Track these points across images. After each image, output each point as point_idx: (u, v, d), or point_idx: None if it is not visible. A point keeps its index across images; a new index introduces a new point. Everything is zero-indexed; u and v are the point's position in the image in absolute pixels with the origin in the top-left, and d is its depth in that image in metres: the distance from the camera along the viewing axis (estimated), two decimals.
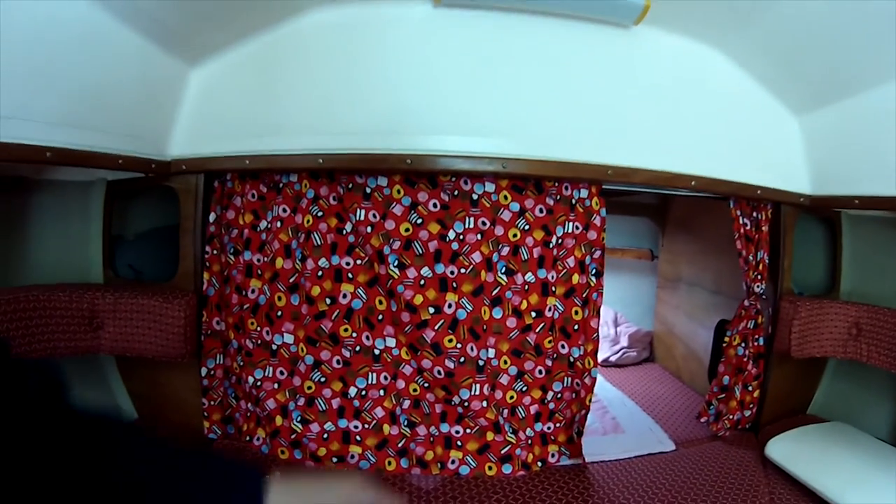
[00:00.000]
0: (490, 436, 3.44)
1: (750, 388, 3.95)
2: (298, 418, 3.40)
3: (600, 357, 5.84)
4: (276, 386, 3.44)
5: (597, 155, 3.28)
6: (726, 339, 4.08)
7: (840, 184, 3.63)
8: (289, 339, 3.38)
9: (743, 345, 3.99)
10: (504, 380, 3.45)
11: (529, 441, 3.52)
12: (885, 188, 3.29)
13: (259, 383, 3.44)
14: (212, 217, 3.40)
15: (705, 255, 5.24)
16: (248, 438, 3.51)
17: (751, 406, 3.98)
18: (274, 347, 3.41)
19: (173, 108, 3.19)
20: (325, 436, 3.41)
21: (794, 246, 4.01)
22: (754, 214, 3.85)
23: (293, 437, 3.40)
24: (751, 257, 3.87)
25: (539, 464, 3.51)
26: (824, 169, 3.72)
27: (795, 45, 3.23)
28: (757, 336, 3.96)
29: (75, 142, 2.66)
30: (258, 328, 3.41)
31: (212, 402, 3.56)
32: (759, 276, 3.88)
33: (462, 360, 3.34)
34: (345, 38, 3.20)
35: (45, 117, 2.50)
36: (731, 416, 3.95)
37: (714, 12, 3.19)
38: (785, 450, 3.51)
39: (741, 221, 3.85)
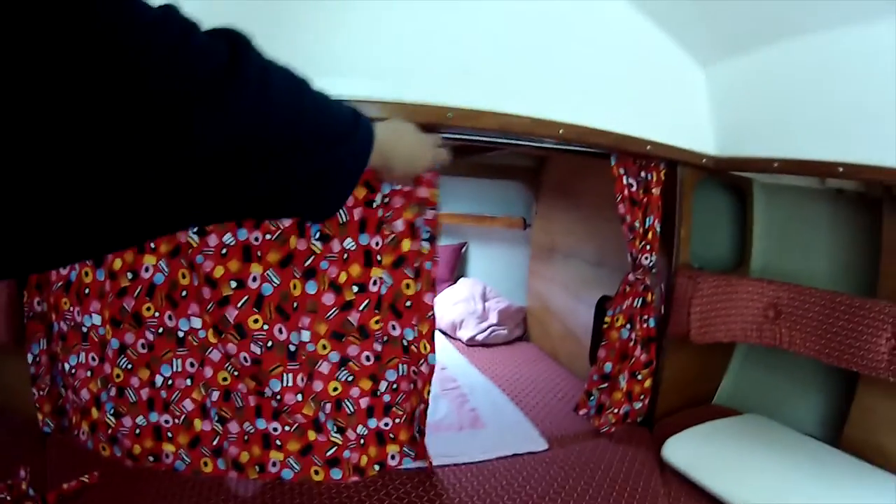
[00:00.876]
0: (312, 435, 2.95)
1: (639, 377, 3.54)
2: (112, 411, 2.89)
3: (466, 335, 5.55)
4: (88, 374, 2.92)
5: (433, 94, 2.77)
6: (607, 318, 3.63)
7: (753, 145, 3.28)
8: (97, 319, 2.84)
9: (628, 326, 3.54)
10: (324, 368, 2.91)
11: (362, 441, 3.01)
12: (809, 151, 2.99)
13: (73, 370, 2.95)
14: None
15: (585, 223, 4.86)
16: (76, 433, 3.06)
17: (641, 397, 3.56)
18: (84, 330, 2.88)
19: None
20: (138, 431, 2.91)
21: (701, 218, 3.70)
22: (642, 174, 3.43)
23: (109, 431, 2.91)
24: (637, 224, 3.43)
25: (376, 467, 3.03)
26: (734, 127, 3.38)
27: None
28: (646, 317, 3.54)
29: None
30: (70, 308, 2.89)
31: (41, 392, 3.09)
32: (648, 247, 3.46)
33: (270, 344, 2.83)
34: None
35: None
36: (615, 410, 3.51)
37: None
38: (687, 450, 3.11)
39: (625, 182, 3.41)
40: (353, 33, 2.74)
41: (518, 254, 6.27)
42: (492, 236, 6.72)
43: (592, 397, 3.65)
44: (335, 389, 2.94)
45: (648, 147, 3.21)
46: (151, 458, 2.94)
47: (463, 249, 6.98)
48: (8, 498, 2.51)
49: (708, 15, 3.03)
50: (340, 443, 2.95)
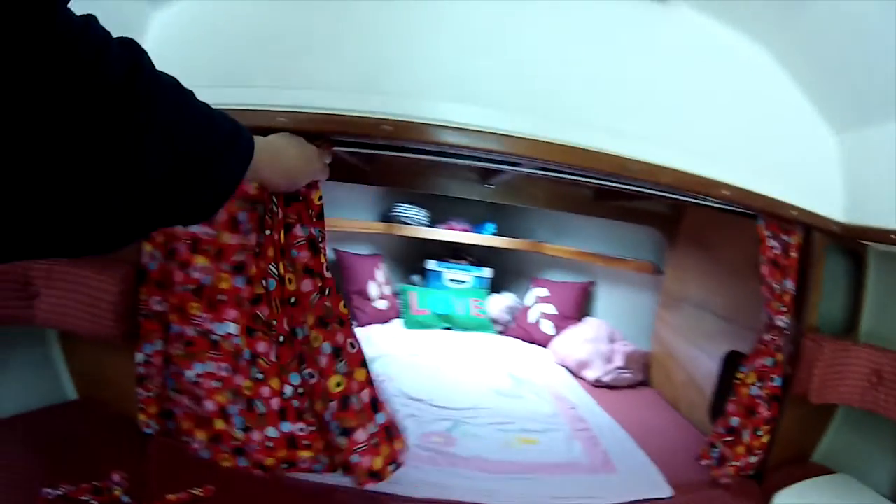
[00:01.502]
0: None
1: (759, 433, 3.61)
2: (241, 425, 2.94)
3: (592, 375, 5.63)
4: (217, 384, 2.94)
5: (618, 144, 2.83)
6: (739, 375, 3.71)
7: (876, 215, 3.34)
8: (233, 328, 2.85)
9: (758, 384, 3.63)
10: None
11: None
12: None
13: (199, 379, 2.95)
14: None
15: (719, 277, 4.92)
16: (186, 440, 3.07)
17: (757, 451, 3.63)
18: (214, 339, 2.89)
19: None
20: (270, 444, 2.94)
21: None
22: (784, 237, 3.51)
23: (234, 443, 2.97)
24: (776, 286, 3.51)
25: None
26: (860, 196, 3.44)
27: (845, 51, 2.97)
28: (774, 376, 3.61)
29: None
30: (201, 313, 2.90)
31: (148, 393, 3.10)
32: (784, 309, 3.53)
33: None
34: None
35: None
36: (736, 463, 3.60)
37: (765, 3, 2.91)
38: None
39: (769, 243, 3.50)
40: (541, 79, 2.83)
41: (646, 298, 6.26)
42: (620, 278, 6.74)
43: (715, 449, 3.74)
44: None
45: (793, 212, 3.31)
46: (285, 466, 2.97)
47: (590, 288, 7.05)
48: (93, 502, 2.53)
49: (848, 84, 3.14)
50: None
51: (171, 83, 1.17)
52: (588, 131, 2.81)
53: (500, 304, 7.63)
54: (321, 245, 2.74)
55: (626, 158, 2.82)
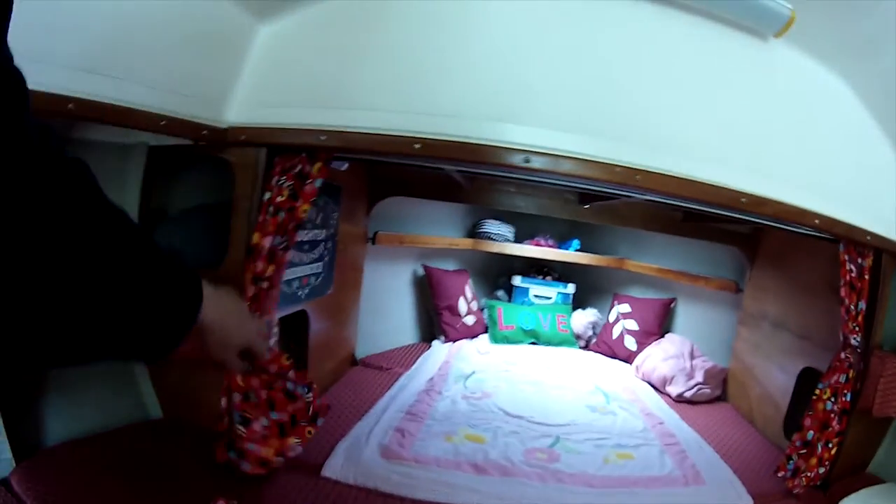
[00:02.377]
0: None
1: (830, 446, 3.81)
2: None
3: (675, 391, 5.80)
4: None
5: (727, 176, 3.11)
6: (816, 391, 3.92)
7: None
8: None
9: (832, 399, 3.83)
10: None
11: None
12: None
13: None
14: (266, 197, 3.12)
15: (795, 296, 5.07)
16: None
17: (826, 463, 3.83)
18: None
19: (235, 67, 3.01)
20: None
21: None
22: (860, 261, 3.73)
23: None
24: (853, 307, 3.74)
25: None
26: None
27: None
28: (846, 392, 3.81)
29: (105, 93, 2.41)
30: None
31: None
32: (858, 328, 3.75)
33: None
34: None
35: (68, 61, 2.26)
36: (808, 474, 3.79)
37: (849, 36, 3.10)
38: None
39: (848, 267, 3.74)
40: (655, 113, 3.10)
41: (725, 315, 6.37)
42: (700, 296, 6.87)
43: (791, 461, 3.91)
44: None
45: (868, 237, 3.54)
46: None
47: (672, 304, 7.18)
48: None
49: None
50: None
51: (116, 219, 1.13)
52: (700, 164, 3.08)
53: (583, 319, 7.75)
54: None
55: (735, 191, 3.10)
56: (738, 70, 3.24)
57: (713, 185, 3.08)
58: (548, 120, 2.95)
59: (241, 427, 3.05)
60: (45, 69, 2.15)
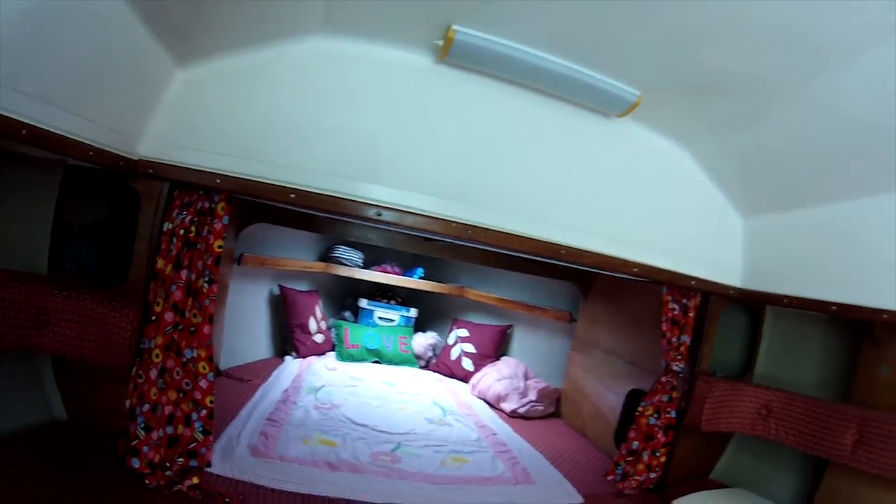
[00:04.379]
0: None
1: (658, 454, 4.27)
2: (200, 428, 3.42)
3: (508, 407, 6.16)
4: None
5: (554, 234, 3.57)
6: (640, 408, 4.37)
7: (771, 282, 4.02)
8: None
9: (655, 415, 4.29)
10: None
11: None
12: (813, 292, 3.71)
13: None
14: (166, 227, 3.29)
15: (626, 328, 5.52)
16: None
17: (657, 469, 4.28)
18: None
19: (152, 105, 3.12)
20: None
21: (721, 330, 4.36)
22: (684, 301, 4.22)
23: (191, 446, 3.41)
24: (674, 339, 4.23)
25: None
26: (758, 267, 4.12)
27: (759, 159, 3.65)
28: (669, 409, 4.28)
29: (54, 124, 2.51)
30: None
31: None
32: (680, 357, 4.22)
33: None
34: (341, 73, 3.33)
35: (30, 89, 2.33)
36: (637, 478, 4.24)
37: (693, 118, 3.54)
38: None
39: (670, 306, 4.22)
40: (505, 179, 3.54)
41: (559, 342, 6.82)
42: (537, 324, 7.26)
43: (619, 467, 4.34)
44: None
45: (693, 282, 4.03)
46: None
47: (508, 331, 7.55)
48: None
49: (756, 180, 3.85)
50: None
51: None
52: (526, 222, 3.53)
53: (423, 341, 8.07)
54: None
55: (555, 244, 3.56)
56: (577, 143, 3.69)
57: (534, 239, 3.53)
58: (398, 181, 3.34)
59: (142, 431, 3.23)
60: (9, 94, 2.24)
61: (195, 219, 3.29)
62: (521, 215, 3.54)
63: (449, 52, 3.12)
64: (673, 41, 2.79)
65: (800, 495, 4.12)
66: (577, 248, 3.63)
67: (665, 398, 4.29)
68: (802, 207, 3.80)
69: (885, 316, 3.41)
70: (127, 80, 2.84)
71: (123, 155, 3.03)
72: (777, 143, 3.47)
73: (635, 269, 3.85)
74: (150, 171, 3.15)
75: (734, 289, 4.22)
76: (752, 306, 4.55)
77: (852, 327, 4.01)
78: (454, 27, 2.95)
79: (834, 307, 3.64)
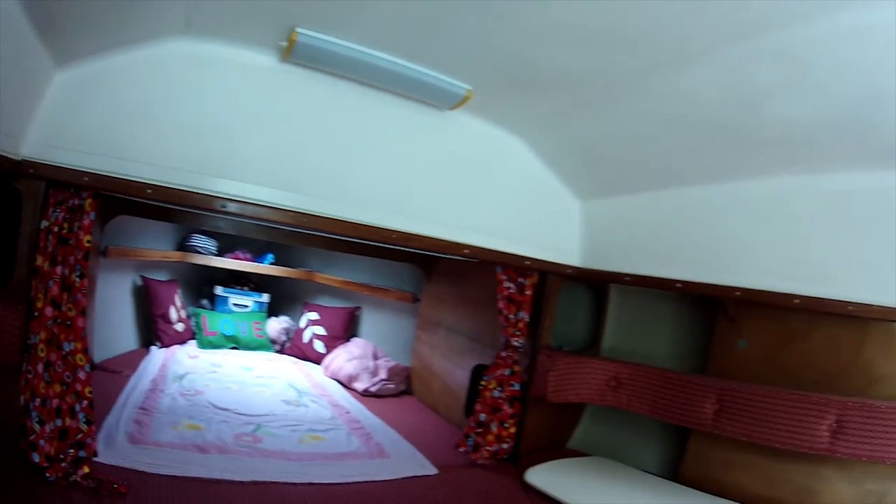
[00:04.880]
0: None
1: (506, 425, 4.40)
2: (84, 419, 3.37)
3: (360, 386, 6.27)
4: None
5: (384, 220, 3.67)
6: (483, 382, 4.51)
7: (611, 261, 4.23)
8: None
9: (499, 389, 4.43)
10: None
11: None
12: (656, 270, 3.96)
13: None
14: (43, 225, 3.25)
15: (467, 306, 5.68)
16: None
17: (508, 440, 4.41)
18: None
19: (35, 107, 3.08)
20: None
21: (567, 307, 4.58)
22: (520, 280, 4.35)
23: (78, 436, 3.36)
24: (511, 316, 4.37)
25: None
26: (598, 247, 4.32)
27: (596, 147, 3.82)
28: (513, 382, 4.43)
29: None
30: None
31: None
32: (518, 333, 4.37)
33: None
34: (196, 74, 3.34)
35: None
36: (489, 448, 4.36)
37: (526, 110, 3.67)
38: (544, 477, 3.92)
39: (506, 285, 4.36)
40: (342, 169, 3.62)
41: (406, 322, 6.94)
42: (384, 305, 7.39)
43: (470, 438, 4.47)
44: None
45: (527, 262, 4.16)
46: None
47: (356, 312, 7.70)
48: None
49: (593, 166, 4.03)
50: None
51: None
52: (359, 209, 3.61)
53: (277, 326, 8.13)
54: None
55: (386, 229, 3.66)
56: (410, 135, 3.80)
57: (366, 225, 3.62)
58: (242, 175, 3.39)
59: (37, 425, 3.19)
60: None
61: (67, 216, 3.26)
62: (355, 203, 3.62)
63: (292, 53, 3.17)
64: (505, 41, 2.86)
65: (665, 462, 4.32)
66: (407, 232, 3.72)
67: (507, 372, 4.43)
68: (644, 191, 4.02)
69: (737, 293, 3.64)
70: (11, 80, 2.78)
71: (7, 156, 2.98)
72: (615, 133, 3.62)
73: (466, 251, 3.94)
74: (31, 171, 3.09)
75: (572, 268, 4.38)
76: (592, 284, 4.73)
77: (705, 304, 4.21)
78: (297, 30, 3.00)
79: (679, 284, 3.87)
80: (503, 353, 4.46)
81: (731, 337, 4.05)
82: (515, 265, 4.25)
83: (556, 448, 4.66)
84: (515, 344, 4.42)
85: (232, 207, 3.39)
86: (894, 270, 3.28)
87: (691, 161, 3.66)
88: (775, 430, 3.56)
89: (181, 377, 5.69)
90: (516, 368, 4.45)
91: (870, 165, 3.19)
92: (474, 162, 4.00)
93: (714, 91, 2.96)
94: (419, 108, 3.66)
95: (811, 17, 2.36)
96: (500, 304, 4.41)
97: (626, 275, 4.16)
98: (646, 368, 4.22)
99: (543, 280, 4.47)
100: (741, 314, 3.96)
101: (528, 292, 4.40)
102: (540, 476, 3.96)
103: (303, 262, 8.44)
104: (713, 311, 4.13)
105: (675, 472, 4.18)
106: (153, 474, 3.38)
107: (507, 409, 4.43)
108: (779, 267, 3.59)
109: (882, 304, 3.30)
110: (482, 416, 4.48)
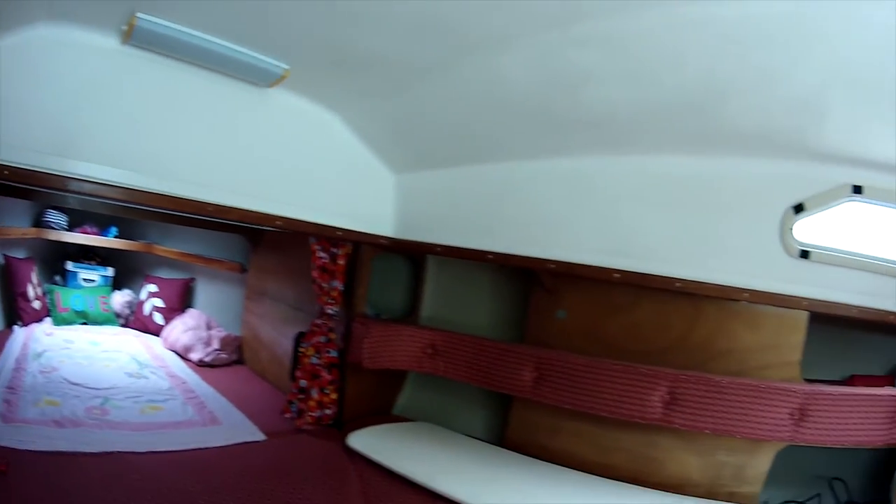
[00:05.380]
0: None
1: (327, 392, 4.51)
2: None
3: (195, 357, 6.39)
4: None
5: (201, 193, 3.69)
6: (301, 349, 4.63)
7: (424, 232, 4.33)
8: None
9: (317, 355, 4.54)
10: None
11: None
12: (467, 242, 4.07)
13: None
14: None
15: (289, 276, 5.76)
16: None
17: (330, 406, 4.53)
18: None
19: None
20: None
21: (387, 277, 4.72)
22: (333, 250, 4.45)
23: None
24: (325, 285, 4.48)
25: None
26: (411, 219, 4.41)
27: (410, 124, 3.94)
28: (329, 349, 4.53)
29: None
30: None
31: None
32: (332, 301, 4.49)
33: None
34: (52, 57, 3.29)
35: None
36: (312, 414, 4.47)
37: (343, 87, 3.74)
38: (366, 441, 4.01)
39: (319, 255, 4.46)
40: (161, 145, 3.59)
41: (236, 292, 7.01)
42: (216, 276, 7.46)
43: (293, 404, 4.57)
44: None
45: (339, 232, 4.21)
46: None
47: (191, 283, 7.79)
48: None
49: (407, 141, 4.14)
50: None
51: None
52: (179, 184, 3.62)
53: (121, 299, 8.08)
54: None
55: (203, 202, 3.66)
56: (230, 112, 3.81)
57: (185, 199, 3.62)
58: (84, 154, 3.36)
59: None
60: None
61: None
62: (179, 179, 3.63)
63: (132, 36, 3.17)
64: (321, 23, 2.91)
65: (491, 428, 4.46)
66: (222, 205, 3.74)
67: (323, 339, 4.54)
68: (459, 166, 4.15)
69: (552, 266, 3.76)
70: None
71: None
72: (429, 111, 3.72)
73: (279, 223, 3.96)
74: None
75: (386, 238, 4.45)
76: (410, 255, 4.83)
77: (524, 276, 4.30)
78: (136, 14, 3.01)
79: (490, 256, 3.98)
80: (318, 321, 4.57)
81: (548, 308, 4.19)
82: (328, 236, 4.32)
83: (381, 414, 4.76)
84: (330, 312, 4.54)
85: (73, 186, 3.37)
86: (725, 250, 3.51)
87: (505, 139, 3.79)
88: (600, 400, 3.68)
89: (39, 355, 5.68)
90: (332, 336, 4.57)
91: (700, 151, 3.42)
92: (291, 137, 4.05)
93: (528, 74, 3.09)
94: (240, 86, 3.69)
95: (644, 9, 2.51)
96: (314, 274, 4.51)
97: (439, 245, 4.28)
98: (461, 336, 4.32)
99: (358, 251, 4.57)
100: (560, 286, 4.10)
101: (342, 262, 4.51)
102: (362, 440, 4.05)
103: (143, 234, 8.36)
104: (531, 282, 4.25)
105: (502, 437, 4.30)
106: (26, 451, 3.43)
107: (325, 375, 4.54)
108: (598, 242, 3.76)
109: (713, 282, 3.48)
110: (303, 383, 4.59)
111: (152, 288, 7.86)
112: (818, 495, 3.88)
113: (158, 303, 7.68)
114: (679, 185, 3.57)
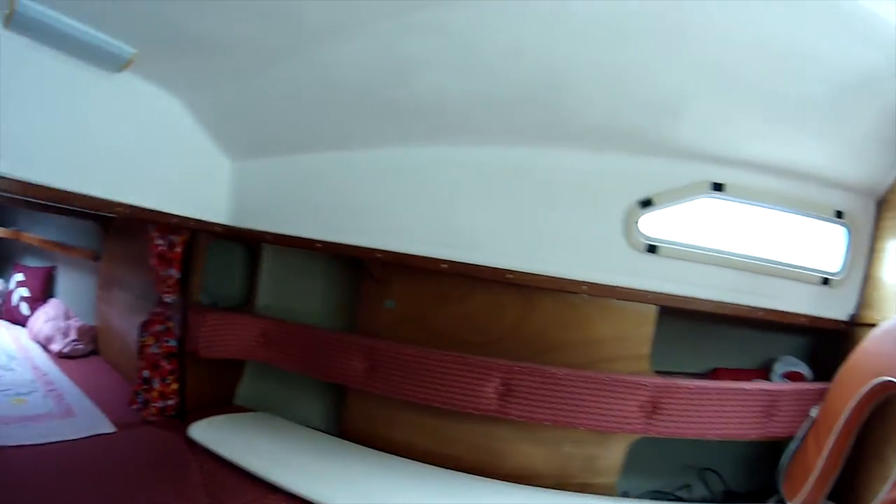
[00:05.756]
0: None
1: (167, 381, 4.46)
2: None
3: (56, 348, 6.21)
4: None
5: (43, 178, 3.50)
6: (142, 339, 4.53)
7: (257, 220, 4.28)
8: None
9: (156, 345, 4.46)
10: None
11: None
12: (296, 230, 4.07)
13: None
14: None
15: (134, 263, 5.62)
16: None
17: (172, 396, 4.47)
18: None
19: None
20: None
21: (224, 265, 4.67)
22: (171, 237, 4.34)
23: None
24: (162, 273, 4.37)
25: None
26: (245, 206, 4.35)
27: (248, 110, 3.89)
28: (168, 338, 4.46)
29: None
30: None
31: None
32: (169, 289, 4.40)
33: None
34: None
35: None
36: (156, 405, 4.41)
37: (185, 71, 3.65)
38: (207, 432, 3.97)
39: (157, 242, 4.34)
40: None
41: (90, 280, 6.82)
42: (75, 264, 7.23)
43: (139, 395, 4.50)
44: None
45: (174, 219, 4.10)
46: None
47: (53, 272, 7.56)
48: None
49: (242, 128, 4.05)
50: None
51: None
52: (29, 168, 3.41)
53: None
54: None
55: (50, 188, 3.48)
56: (78, 96, 3.62)
57: (34, 185, 3.43)
58: None
59: None
60: None
61: None
62: (27, 162, 3.41)
63: (12, 21, 3.01)
64: (165, 7, 2.86)
65: (329, 418, 4.45)
66: (68, 191, 3.59)
67: (161, 328, 4.47)
68: (292, 154, 4.11)
69: (379, 255, 3.77)
70: None
71: None
72: (264, 97, 3.66)
73: (119, 209, 3.83)
74: None
75: (220, 226, 4.38)
76: (243, 242, 4.78)
77: (355, 265, 4.30)
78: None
79: (319, 244, 3.96)
80: (156, 310, 4.48)
81: (377, 297, 4.18)
82: (165, 222, 4.22)
83: (223, 405, 4.73)
84: (167, 300, 4.45)
85: None
86: (562, 243, 3.54)
87: (338, 127, 3.77)
88: (433, 390, 3.67)
89: None
90: (170, 325, 4.48)
91: (538, 143, 3.45)
92: (134, 123, 3.90)
93: (364, 62, 3.10)
94: (90, 70, 3.55)
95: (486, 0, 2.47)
96: (153, 262, 4.40)
97: (269, 234, 4.24)
98: (292, 325, 4.30)
99: (195, 238, 4.50)
100: (390, 276, 4.10)
101: (178, 249, 4.41)
102: (203, 432, 4.00)
103: (14, 221, 8.09)
104: (363, 272, 4.23)
105: (340, 428, 4.31)
106: None
107: (165, 365, 4.47)
108: (428, 233, 3.76)
109: (548, 274, 3.50)
110: (146, 373, 4.51)
111: (20, 277, 7.62)
112: (688, 485, 3.95)
113: (25, 292, 7.47)
114: (513, 176, 3.60)
